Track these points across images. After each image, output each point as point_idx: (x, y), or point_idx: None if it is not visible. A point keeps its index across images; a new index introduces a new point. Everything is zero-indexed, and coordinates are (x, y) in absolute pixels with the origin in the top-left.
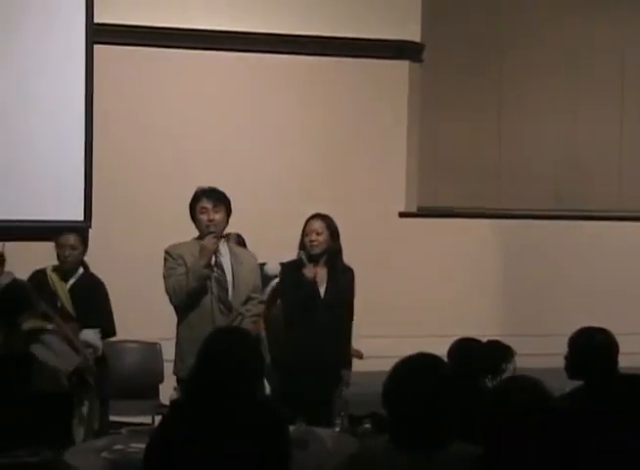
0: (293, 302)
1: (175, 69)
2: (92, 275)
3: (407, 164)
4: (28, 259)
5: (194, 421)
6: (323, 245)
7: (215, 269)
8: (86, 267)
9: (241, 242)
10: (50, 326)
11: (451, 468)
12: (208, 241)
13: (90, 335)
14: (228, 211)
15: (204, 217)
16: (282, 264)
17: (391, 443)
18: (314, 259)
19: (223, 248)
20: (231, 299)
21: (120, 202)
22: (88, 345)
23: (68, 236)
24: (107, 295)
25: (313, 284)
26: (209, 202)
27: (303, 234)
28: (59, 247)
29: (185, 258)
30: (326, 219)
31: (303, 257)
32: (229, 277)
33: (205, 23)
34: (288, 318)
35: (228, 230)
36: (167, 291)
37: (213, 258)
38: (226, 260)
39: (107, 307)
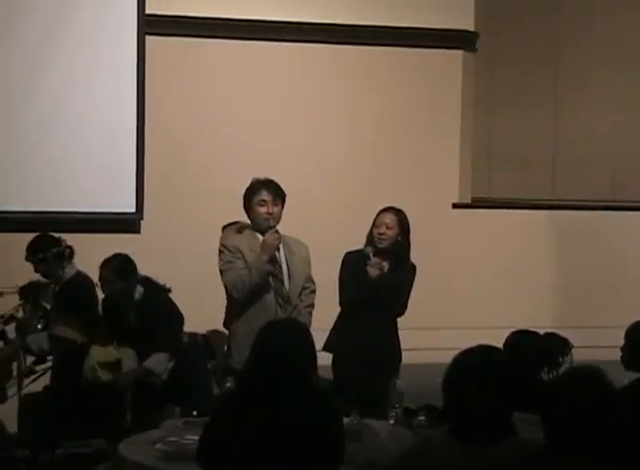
0: (350, 297)
1: (227, 60)
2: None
3: (461, 154)
4: (82, 254)
5: (248, 413)
6: (392, 239)
7: (272, 264)
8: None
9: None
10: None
11: (513, 462)
12: (271, 237)
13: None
14: (284, 205)
15: (262, 210)
16: (347, 253)
17: (451, 435)
18: (380, 253)
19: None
20: (288, 291)
21: (173, 193)
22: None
23: None
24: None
25: (375, 285)
26: (269, 194)
27: (373, 226)
28: None
29: (243, 252)
30: (399, 214)
31: (370, 251)
32: (284, 269)
33: (257, 14)
34: (343, 310)
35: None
36: (226, 285)
37: None
38: (280, 252)
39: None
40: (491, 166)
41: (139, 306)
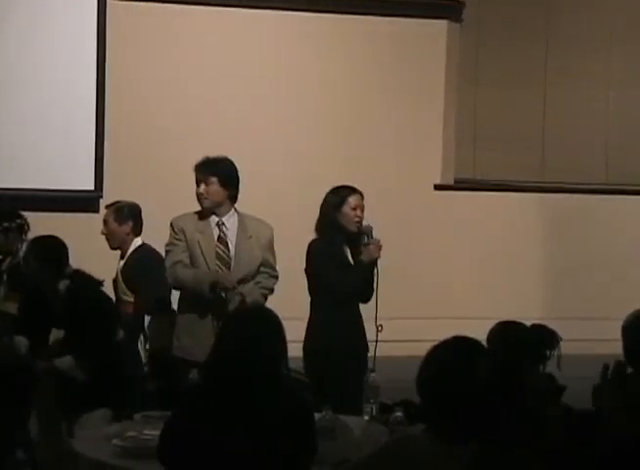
0: (346, 288)
1: (194, 27)
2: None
3: (444, 132)
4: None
5: (214, 408)
6: (361, 222)
7: (219, 246)
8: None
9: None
10: None
11: (496, 460)
12: (225, 279)
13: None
14: (224, 182)
15: (196, 191)
16: (315, 241)
17: (429, 432)
18: (353, 239)
19: (230, 220)
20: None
21: (135, 170)
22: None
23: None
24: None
25: (370, 269)
26: (199, 174)
27: (346, 207)
28: None
29: (186, 233)
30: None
31: (369, 230)
32: (232, 252)
33: None
34: (325, 302)
35: (242, 199)
36: (166, 267)
37: (217, 234)
38: (232, 235)
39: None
40: (477, 146)
41: (64, 300)
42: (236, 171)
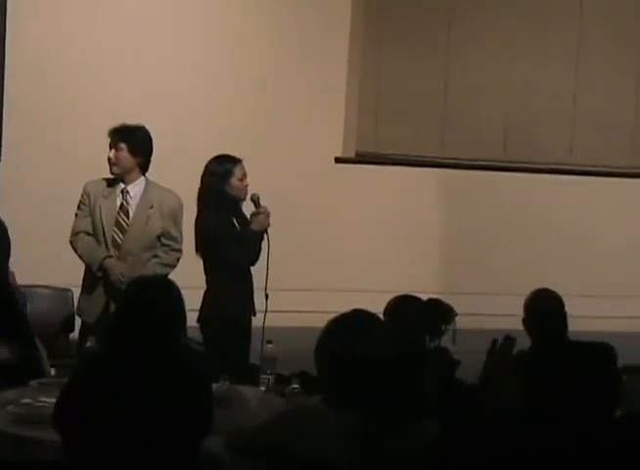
0: (242, 259)
1: None
2: None
3: (346, 104)
4: None
5: (110, 373)
6: None
7: (120, 213)
8: None
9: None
10: None
11: (389, 429)
12: (112, 269)
13: None
14: (134, 150)
15: (108, 156)
16: (208, 215)
17: (325, 402)
18: (240, 208)
19: (135, 189)
20: (124, 243)
21: (34, 137)
22: None
23: None
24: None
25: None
26: (112, 139)
27: (233, 178)
28: None
29: (90, 197)
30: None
31: (257, 198)
32: (130, 219)
33: None
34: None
35: (160, 173)
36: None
37: (119, 201)
38: (134, 203)
39: None
40: (378, 119)
41: None
42: (149, 140)
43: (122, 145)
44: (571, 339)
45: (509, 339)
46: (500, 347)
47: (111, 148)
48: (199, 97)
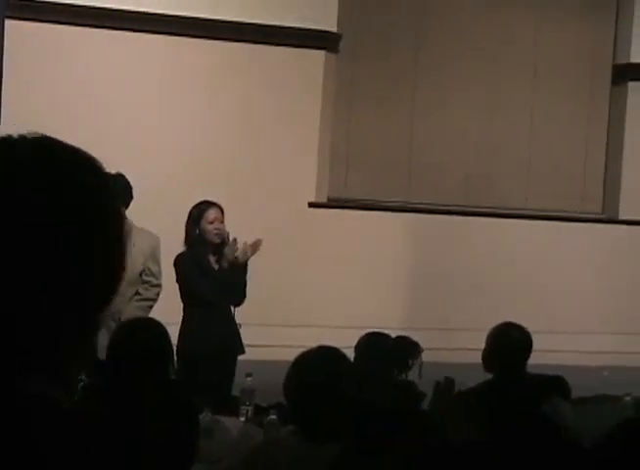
0: (205, 291)
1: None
2: None
3: (319, 153)
4: None
5: (103, 415)
6: (224, 234)
7: None
8: None
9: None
10: None
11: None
12: None
13: None
14: (120, 198)
15: None
16: (180, 255)
17: (297, 434)
18: (218, 248)
19: None
20: None
21: None
22: None
23: None
24: None
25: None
26: None
27: (204, 221)
28: None
29: None
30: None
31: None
32: None
33: (117, 3)
34: (196, 306)
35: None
36: None
37: None
38: None
39: None
40: (349, 167)
41: None
42: (130, 186)
43: None
44: (528, 371)
45: (448, 380)
46: (443, 387)
47: None
48: (181, 150)
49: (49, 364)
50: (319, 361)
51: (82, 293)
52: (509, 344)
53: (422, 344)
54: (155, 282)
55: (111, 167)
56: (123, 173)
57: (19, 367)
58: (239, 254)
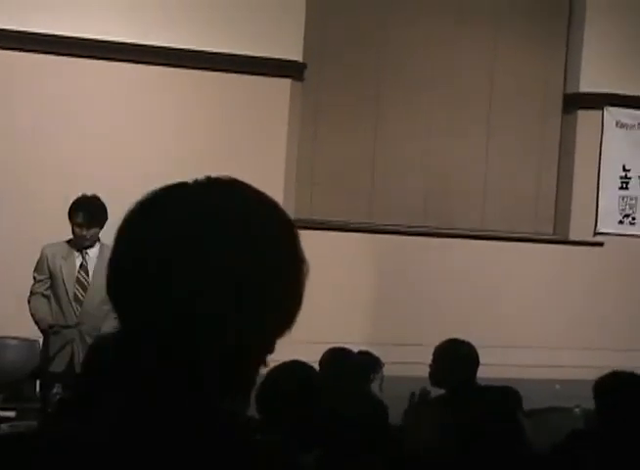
0: None
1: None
2: None
3: (285, 177)
4: None
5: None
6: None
7: (80, 272)
8: None
9: None
10: None
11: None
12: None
13: None
14: (102, 224)
15: (77, 231)
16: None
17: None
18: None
19: (93, 250)
20: (85, 299)
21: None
22: None
23: None
24: None
25: None
26: (84, 220)
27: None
28: None
29: (49, 259)
30: None
31: None
32: (90, 278)
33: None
34: None
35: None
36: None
37: (79, 262)
38: (92, 263)
39: None
40: (314, 190)
41: None
42: (105, 207)
43: (96, 223)
44: (479, 384)
45: (424, 391)
46: (418, 397)
47: (81, 227)
48: (150, 175)
49: (245, 385)
50: (291, 374)
51: (280, 321)
52: (459, 359)
53: (382, 359)
54: None
55: (78, 190)
56: (99, 196)
57: (222, 388)
58: None
